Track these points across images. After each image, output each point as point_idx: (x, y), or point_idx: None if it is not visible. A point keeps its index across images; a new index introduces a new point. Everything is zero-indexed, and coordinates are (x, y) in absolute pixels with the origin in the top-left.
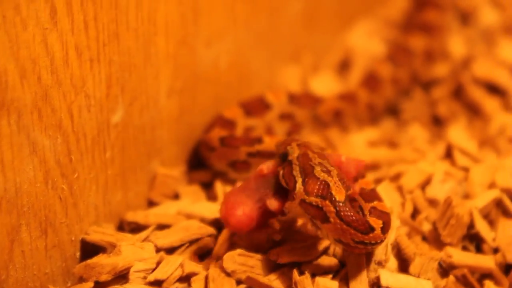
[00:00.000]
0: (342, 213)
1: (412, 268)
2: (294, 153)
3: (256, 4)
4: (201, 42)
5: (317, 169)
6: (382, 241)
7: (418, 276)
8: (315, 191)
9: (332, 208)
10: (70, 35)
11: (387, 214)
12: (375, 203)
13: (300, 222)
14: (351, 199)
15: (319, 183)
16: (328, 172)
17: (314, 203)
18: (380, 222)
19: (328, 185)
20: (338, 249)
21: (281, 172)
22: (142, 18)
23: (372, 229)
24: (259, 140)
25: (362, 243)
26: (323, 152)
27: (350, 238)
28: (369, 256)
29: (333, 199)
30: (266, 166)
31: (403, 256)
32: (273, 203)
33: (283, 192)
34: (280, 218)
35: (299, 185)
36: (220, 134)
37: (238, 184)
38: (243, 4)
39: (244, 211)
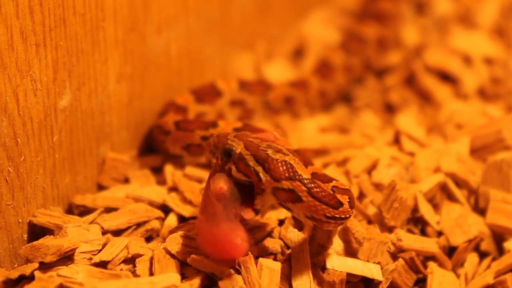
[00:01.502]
0: (313, 190)
1: (361, 252)
2: (239, 145)
3: None
4: (151, 29)
5: (270, 151)
6: (350, 216)
7: (367, 260)
8: (282, 174)
9: (303, 188)
10: (14, 19)
11: (349, 191)
12: (334, 182)
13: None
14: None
15: (281, 165)
16: (280, 150)
17: (286, 187)
18: (346, 197)
19: (291, 164)
20: (283, 231)
21: (233, 168)
22: (89, 3)
23: (341, 204)
24: (213, 124)
25: (333, 218)
26: (258, 135)
27: (322, 214)
28: (312, 238)
29: (301, 178)
30: (223, 182)
31: (352, 239)
32: (249, 213)
33: (246, 195)
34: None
35: (263, 175)
36: (175, 119)
37: (199, 209)
38: None
39: (240, 236)
